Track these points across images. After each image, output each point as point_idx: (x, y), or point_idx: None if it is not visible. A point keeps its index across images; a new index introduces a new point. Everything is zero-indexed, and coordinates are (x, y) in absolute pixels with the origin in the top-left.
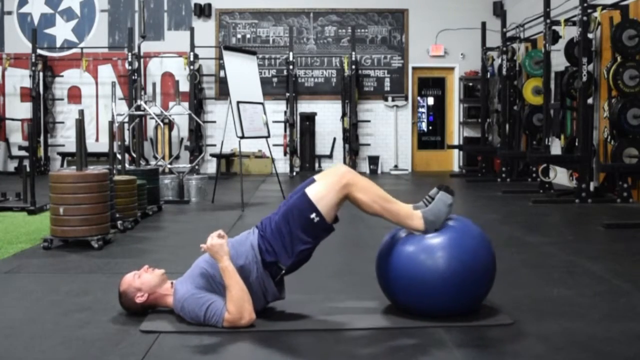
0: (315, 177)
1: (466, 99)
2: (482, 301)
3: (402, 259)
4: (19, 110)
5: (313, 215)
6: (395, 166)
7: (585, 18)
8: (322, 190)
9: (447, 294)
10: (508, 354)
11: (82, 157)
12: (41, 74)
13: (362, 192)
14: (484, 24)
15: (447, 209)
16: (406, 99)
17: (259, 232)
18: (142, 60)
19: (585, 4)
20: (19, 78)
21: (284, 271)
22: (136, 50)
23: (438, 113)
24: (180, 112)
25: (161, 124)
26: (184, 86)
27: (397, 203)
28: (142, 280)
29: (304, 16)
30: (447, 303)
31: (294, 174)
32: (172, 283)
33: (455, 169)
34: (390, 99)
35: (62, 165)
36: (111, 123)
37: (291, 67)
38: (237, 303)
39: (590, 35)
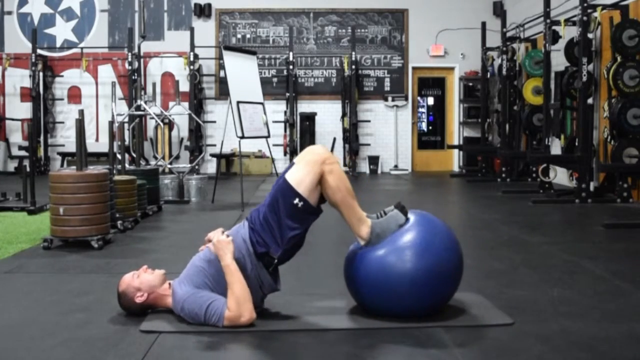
0: (295, 159)
1: (466, 99)
2: (449, 301)
3: (367, 259)
4: (19, 110)
5: (296, 201)
6: (395, 166)
7: (585, 18)
8: (301, 174)
9: (412, 294)
10: (508, 354)
11: (82, 157)
12: (41, 74)
13: (333, 175)
14: (484, 24)
15: (395, 228)
16: (406, 99)
17: (249, 225)
18: (142, 60)
19: (585, 4)
20: (19, 78)
21: (276, 261)
22: (136, 50)
23: (438, 113)
24: (180, 112)
25: (161, 124)
26: (184, 86)
27: (357, 204)
28: (141, 280)
29: (304, 16)
30: (412, 303)
31: None
32: (169, 284)
33: (455, 169)
34: (390, 99)
35: (62, 165)
36: (111, 123)
37: (291, 67)
38: (238, 301)
39: (590, 35)
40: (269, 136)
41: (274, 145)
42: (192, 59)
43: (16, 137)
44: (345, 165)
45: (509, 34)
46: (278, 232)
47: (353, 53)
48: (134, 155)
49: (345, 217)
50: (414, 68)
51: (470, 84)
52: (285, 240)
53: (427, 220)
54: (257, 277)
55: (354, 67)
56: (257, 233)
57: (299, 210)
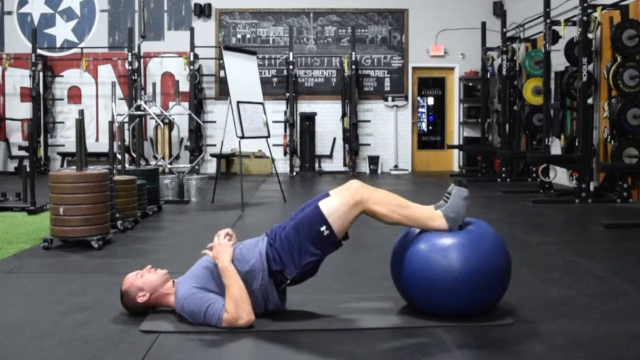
0: (331, 191)
1: (466, 99)
2: (498, 302)
3: (416, 259)
4: (19, 110)
5: (323, 228)
6: (395, 166)
7: (585, 18)
8: (334, 205)
9: (461, 295)
10: (508, 354)
11: (82, 157)
12: (41, 74)
13: (378, 204)
14: (484, 24)
15: (464, 202)
16: (406, 99)
17: (269, 240)
18: (142, 60)
19: (585, 4)
20: (19, 78)
21: (289, 281)
22: (136, 50)
23: (438, 113)
24: (180, 112)
25: (161, 124)
26: (184, 86)
27: (416, 207)
28: (144, 279)
29: (304, 16)
30: (461, 304)
31: (294, 174)
32: (173, 282)
33: (455, 169)
34: (390, 99)
35: (62, 165)
36: (111, 123)
37: (291, 67)
38: (236, 302)
39: (590, 35)
40: (269, 136)
41: (274, 145)
42: (192, 59)
43: (16, 137)
44: (345, 165)
45: (509, 34)
46: (297, 254)
47: (353, 53)
48: (134, 155)
49: (415, 226)
50: (414, 68)
51: (470, 84)
52: (302, 263)
53: (475, 223)
54: (263, 293)
55: (354, 67)
56: (275, 250)
57: (323, 238)
